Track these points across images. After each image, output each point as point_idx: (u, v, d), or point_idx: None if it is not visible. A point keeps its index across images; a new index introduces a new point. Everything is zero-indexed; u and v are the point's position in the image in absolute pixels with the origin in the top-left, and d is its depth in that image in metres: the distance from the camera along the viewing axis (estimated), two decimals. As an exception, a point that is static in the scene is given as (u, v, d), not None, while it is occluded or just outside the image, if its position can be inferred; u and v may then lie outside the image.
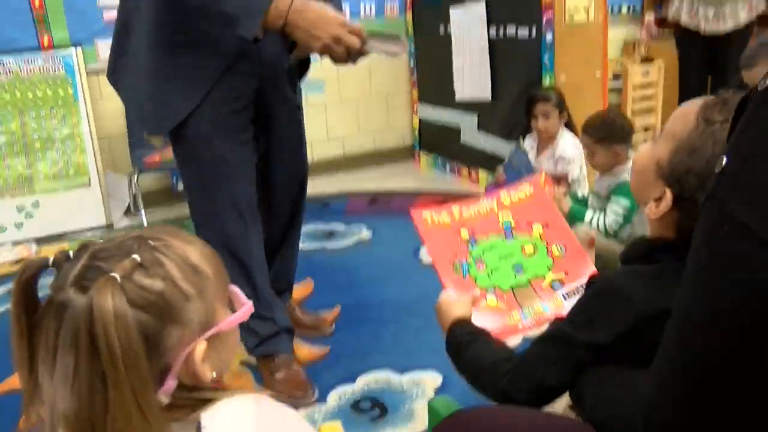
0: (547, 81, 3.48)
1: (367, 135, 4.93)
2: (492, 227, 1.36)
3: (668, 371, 0.68)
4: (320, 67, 4.56)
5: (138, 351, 0.65)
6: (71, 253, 0.70)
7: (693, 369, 0.65)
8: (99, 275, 0.66)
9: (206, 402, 0.71)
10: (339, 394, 2.09)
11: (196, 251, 0.75)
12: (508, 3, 3.69)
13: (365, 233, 3.52)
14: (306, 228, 3.63)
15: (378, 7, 4.71)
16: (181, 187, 4.40)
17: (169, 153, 4.11)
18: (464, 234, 1.37)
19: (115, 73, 1.88)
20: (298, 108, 2.13)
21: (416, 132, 4.91)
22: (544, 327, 1.17)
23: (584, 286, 1.14)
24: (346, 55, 1.62)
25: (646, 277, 0.99)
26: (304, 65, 2.10)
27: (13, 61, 3.59)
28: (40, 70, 3.65)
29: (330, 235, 3.55)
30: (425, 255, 3.04)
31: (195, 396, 0.71)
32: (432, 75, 4.57)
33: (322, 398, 2.07)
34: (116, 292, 0.65)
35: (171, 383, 0.70)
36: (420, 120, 4.84)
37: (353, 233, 3.54)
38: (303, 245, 3.37)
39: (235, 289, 0.80)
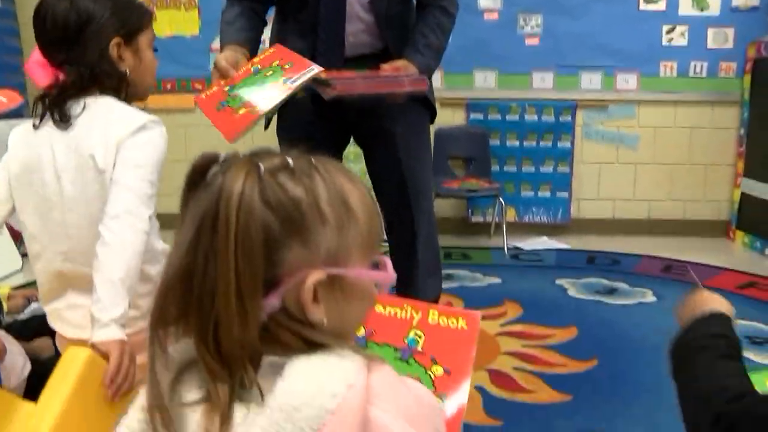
0: None
1: (676, 203, 4.56)
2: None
3: None
4: (637, 122, 4.50)
5: (255, 244, 0.62)
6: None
7: None
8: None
9: (309, 347, 0.64)
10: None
11: (356, 192, 0.70)
12: None
13: (650, 297, 3.27)
14: (589, 280, 3.52)
15: (711, 66, 4.38)
16: (475, 218, 4.55)
17: (467, 180, 4.26)
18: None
19: None
20: (393, 135, 2.17)
21: (736, 207, 4.41)
22: None
23: None
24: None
25: None
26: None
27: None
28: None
29: (612, 291, 3.36)
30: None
31: (296, 329, 0.65)
32: (765, 147, 4.08)
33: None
34: (250, 178, 0.63)
35: (273, 301, 0.64)
36: (742, 194, 4.34)
37: (636, 294, 3.32)
38: (580, 295, 3.26)
39: (386, 259, 0.73)
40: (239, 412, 0.62)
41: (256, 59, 1.87)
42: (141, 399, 0.67)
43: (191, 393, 0.65)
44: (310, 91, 1.97)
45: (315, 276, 0.65)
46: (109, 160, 1.33)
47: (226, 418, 0.62)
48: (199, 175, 0.67)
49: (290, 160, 0.67)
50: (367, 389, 0.61)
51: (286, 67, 1.75)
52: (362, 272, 0.69)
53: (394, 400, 0.63)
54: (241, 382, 0.63)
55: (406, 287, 2.32)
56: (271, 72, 1.77)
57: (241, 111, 1.68)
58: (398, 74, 1.96)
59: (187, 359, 0.67)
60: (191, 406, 0.64)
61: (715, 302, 1.06)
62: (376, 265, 0.73)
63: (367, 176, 2.29)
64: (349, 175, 0.71)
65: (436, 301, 2.37)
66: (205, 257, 0.63)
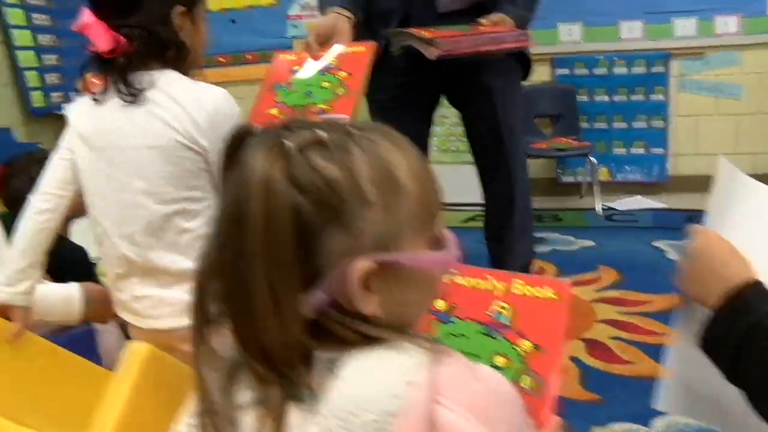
0: None
1: (786, 155, 4.24)
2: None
3: None
4: (740, 69, 4.18)
5: (284, 234, 0.55)
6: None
7: None
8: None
9: (367, 341, 0.58)
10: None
11: (404, 162, 0.60)
12: None
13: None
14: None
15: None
16: (565, 178, 4.38)
17: (556, 140, 4.11)
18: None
19: None
20: (491, 90, 2.13)
21: None
22: None
23: None
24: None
25: None
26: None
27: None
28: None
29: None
30: None
31: (349, 323, 0.58)
32: None
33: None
34: (274, 159, 0.56)
35: (320, 295, 0.57)
36: None
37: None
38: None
39: (449, 234, 0.64)
40: (295, 414, 0.57)
41: (344, 50, 1.63)
42: (192, 403, 0.62)
43: (243, 394, 0.60)
44: (411, 50, 1.89)
45: (361, 265, 0.57)
46: (190, 137, 1.27)
47: (279, 423, 0.56)
48: (233, 152, 0.60)
49: (323, 133, 0.58)
50: (433, 385, 0.55)
51: (339, 92, 1.52)
52: (418, 256, 0.61)
53: (464, 396, 0.56)
54: (297, 383, 0.58)
55: (501, 251, 2.25)
56: (327, 84, 1.56)
57: (273, 111, 1.54)
58: (502, 32, 1.87)
59: (236, 357, 0.62)
60: (244, 409, 0.59)
61: (734, 261, 0.80)
62: (438, 241, 0.64)
63: (449, 139, 2.22)
64: (396, 142, 0.62)
65: (528, 265, 2.29)
66: (233, 252, 0.57)
